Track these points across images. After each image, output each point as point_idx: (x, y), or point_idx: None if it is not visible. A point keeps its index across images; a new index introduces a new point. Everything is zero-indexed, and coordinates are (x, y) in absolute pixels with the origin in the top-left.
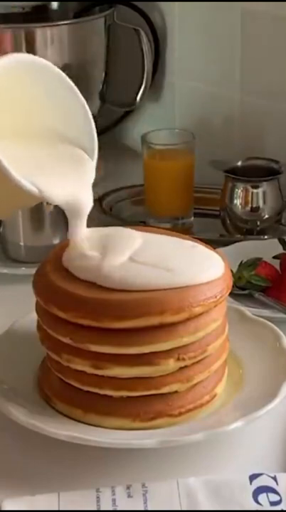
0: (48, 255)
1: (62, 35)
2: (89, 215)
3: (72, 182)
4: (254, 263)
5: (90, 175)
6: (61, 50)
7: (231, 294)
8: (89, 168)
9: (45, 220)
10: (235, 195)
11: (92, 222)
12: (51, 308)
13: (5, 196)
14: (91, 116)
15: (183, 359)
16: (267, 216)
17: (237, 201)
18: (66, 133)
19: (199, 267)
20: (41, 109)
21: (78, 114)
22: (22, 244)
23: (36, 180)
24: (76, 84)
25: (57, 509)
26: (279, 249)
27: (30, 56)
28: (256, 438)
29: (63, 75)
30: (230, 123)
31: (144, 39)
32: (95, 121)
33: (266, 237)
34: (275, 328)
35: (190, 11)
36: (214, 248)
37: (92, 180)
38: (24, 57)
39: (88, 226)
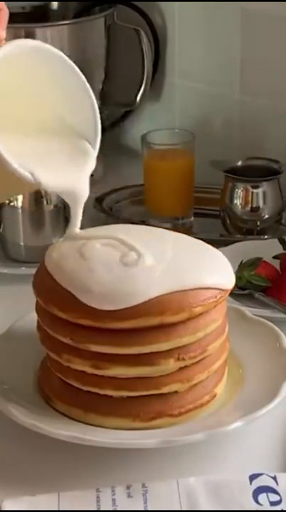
0: None
1: (62, 35)
2: (89, 215)
3: (69, 171)
4: (254, 263)
5: (90, 165)
6: (61, 50)
7: (231, 294)
8: (89, 158)
9: (45, 220)
10: (235, 195)
11: (91, 222)
12: (51, 308)
13: (1, 181)
14: (96, 106)
15: (183, 359)
16: (267, 216)
17: (237, 201)
18: (70, 122)
19: (206, 270)
20: (46, 97)
21: (83, 103)
22: (22, 244)
23: (32, 168)
24: None
25: (57, 509)
26: (279, 249)
27: (35, 42)
28: (256, 438)
29: (69, 61)
30: (230, 123)
31: (144, 39)
32: None
33: (266, 237)
34: (275, 328)
35: (190, 11)
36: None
37: (91, 170)
38: (28, 43)
39: (88, 226)
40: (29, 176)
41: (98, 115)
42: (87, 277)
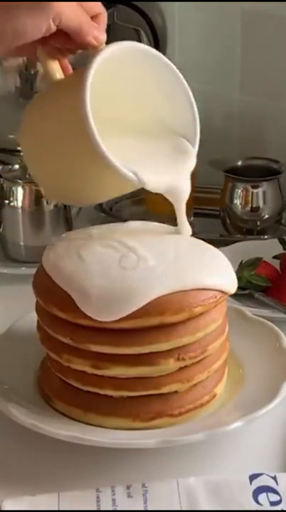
0: None
1: None
2: (89, 215)
3: (171, 170)
4: (254, 263)
5: (190, 163)
6: None
7: (231, 294)
8: (189, 156)
9: (45, 220)
10: (235, 195)
11: (91, 222)
12: (51, 308)
13: (103, 182)
14: (195, 106)
15: (183, 359)
16: (267, 216)
17: (237, 201)
18: (170, 122)
19: (207, 271)
20: (146, 98)
21: (182, 102)
22: (22, 244)
23: (135, 168)
24: None
25: (57, 509)
26: (279, 249)
27: (136, 43)
28: (256, 438)
29: (168, 61)
30: (230, 123)
31: (144, 39)
32: None
33: (266, 237)
34: (275, 328)
35: (190, 11)
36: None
37: (192, 168)
38: (134, 45)
39: (88, 226)
40: (132, 176)
41: (197, 114)
42: (85, 283)
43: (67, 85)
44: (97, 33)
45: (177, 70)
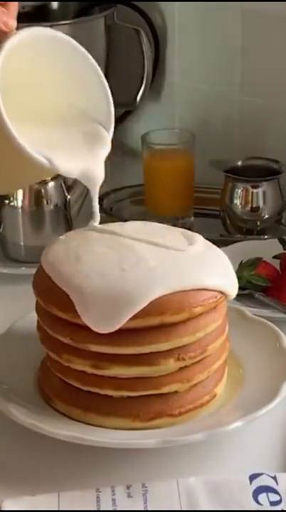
0: None
1: None
2: (89, 215)
3: (85, 155)
4: (254, 263)
5: (105, 148)
6: None
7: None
8: (104, 141)
9: (45, 220)
10: (235, 195)
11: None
12: (51, 308)
13: (18, 169)
14: (108, 90)
15: (183, 359)
16: (267, 216)
17: (237, 201)
18: (83, 107)
19: (207, 271)
20: (58, 84)
21: (96, 88)
22: (22, 244)
23: (49, 154)
24: None
25: (57, 509)
26: (279, 249)
27: (50, 30)
28: (256, 438)
29: (78, 45)
30: (230, 123)
31: (144, 39)
32: None
33: (266, 237)
34: (275, 328)
35: (190, 11)
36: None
37: (106, 153)
38: (44, 31)
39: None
40: (45, 161)
41: (111, 99)
42: (84, 288)
43: None
44: (5, 18)
45: (89, 55)
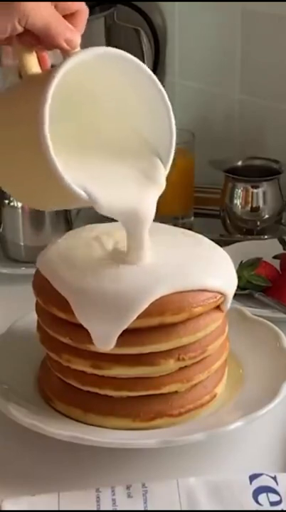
0: None
1: None
2: (89, 215)
3: (132, 191)
4: (254, 263)
5: (158, 186)
6: None
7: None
8: (158, 177)
9: (45, 220)
10: (235, 195)
11: (91, 222)
12: (51, 308)
13: (59, 195)
14: (173, 121)
15: (183, 359)
16: (267, 216)
17: (237, 201)
18: (145, 136)
19: (208, 272)
20: (122, 108)
21: (161, 117)
22: (22, 244)
23: (88, 185)
24: None
25: (57, 509)
26: (279, 249)
27: (114, 50)
28: (256, 438)
29: (149, 71)
30: (230, 123)
31: (144, 39)
32: None
33: (266, 237)
34: (275, 328)
35: (190, 11)
36: None
37: (159, 192)
38: (107, 51)
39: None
40: (82, 193)
41: (174, 130)
42: (82, 295)
43: (32, 88)
44: (69, 35)
45: (157, 80)
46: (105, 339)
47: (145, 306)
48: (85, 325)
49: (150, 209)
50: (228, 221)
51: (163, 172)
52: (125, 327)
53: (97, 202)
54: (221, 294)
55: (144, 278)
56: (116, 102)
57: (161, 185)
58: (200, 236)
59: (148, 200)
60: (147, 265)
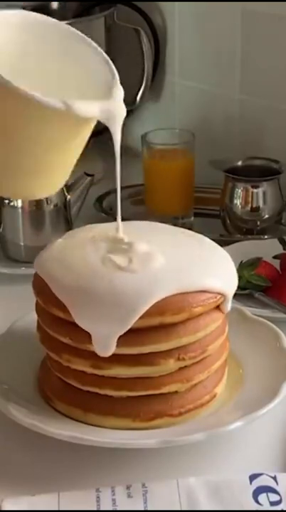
0: None
1: None
2: (89, 215)
3: (101, 98)
4: (254, 263)
5: (118, 89)
6: None
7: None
8: (115, 84)
9: (45, 220)
10: (235, 195)
11: (91, 222)
12: (51, 308)
13: (44, 133)
14: (105, 56)
15: (183, 359)
16: (267, 216)
17: (237, 201)
18: (85, 84)
19: (208, 273)
20: (55, 67)
21: (94, 61)
22: (22, 244)
23: (61, 97)
24: None
25: (57, 509)
26: (279, 249)
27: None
28: (256, 438)
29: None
30: (230, 123)
31: (144, 39)
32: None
33: (266, 237)
34: (275, 328)
35: (190, 11)
36: None
37: (121, 94)
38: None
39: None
40: (61, 104)
41: (106, 56)
42: (80, 302)
43: None
44: None
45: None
46: (105, 343)
47: (145, 309)
48: (84, 328)
49: (121, 104)
50: (228, 221)
51: (115, 79)
52: (125, 330)
53: (74, 104)
54: (221, 294)
55: (143, 280)
56: (57, 66)
57: (120, 86)
58: (200, 236)
59: (116, 98)
60: (147, 266)
